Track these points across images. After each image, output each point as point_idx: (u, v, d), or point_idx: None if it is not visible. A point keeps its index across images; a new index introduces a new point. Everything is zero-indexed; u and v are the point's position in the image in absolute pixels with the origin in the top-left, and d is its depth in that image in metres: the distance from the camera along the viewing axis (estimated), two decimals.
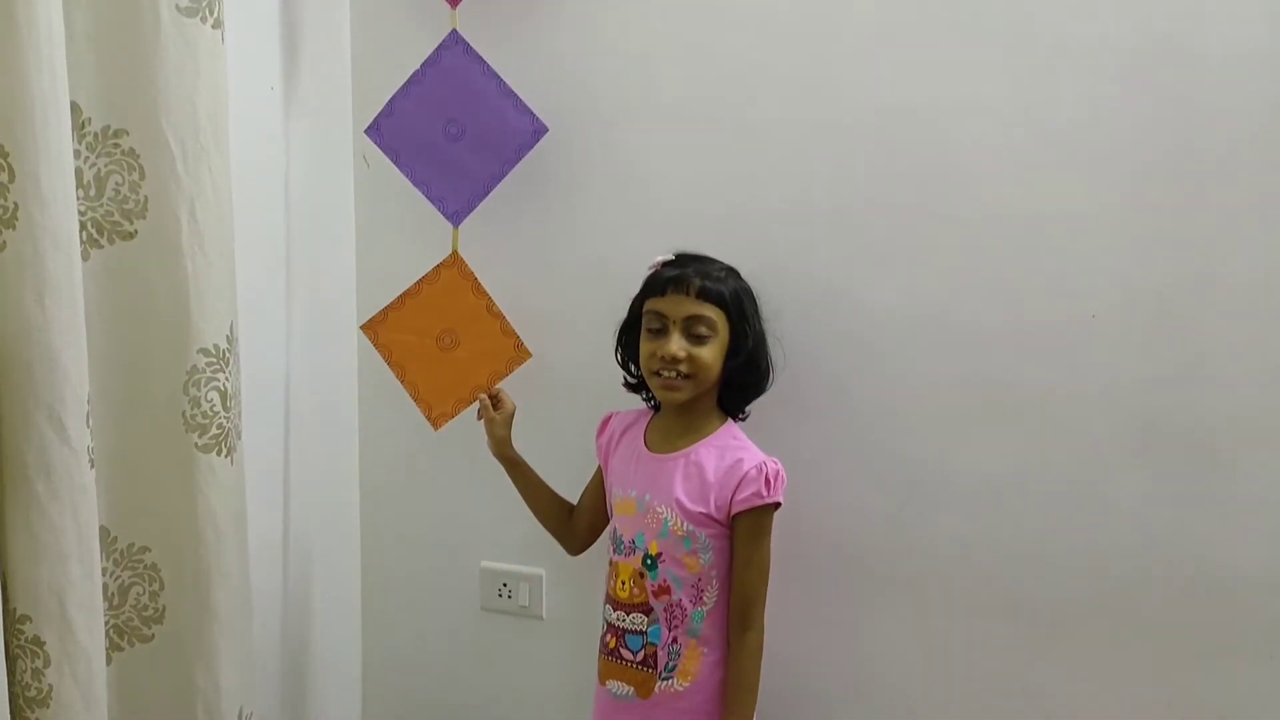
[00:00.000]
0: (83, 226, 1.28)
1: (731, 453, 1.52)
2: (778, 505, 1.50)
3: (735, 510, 1.49)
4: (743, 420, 1.59)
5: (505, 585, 1.90)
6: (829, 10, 1.60)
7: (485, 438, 1.70)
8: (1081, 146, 1.50)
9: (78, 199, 1.25)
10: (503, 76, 1.67)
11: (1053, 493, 1.56)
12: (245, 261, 1.45)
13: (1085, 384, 1.53)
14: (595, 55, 1.71)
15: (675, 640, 1.52)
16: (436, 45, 1.67)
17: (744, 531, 1.50)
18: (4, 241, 1.15)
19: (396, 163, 1.72)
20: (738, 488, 1.49)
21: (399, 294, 1.75)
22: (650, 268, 1.56)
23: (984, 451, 1.59)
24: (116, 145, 1.29)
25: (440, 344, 1.75)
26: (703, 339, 1.49)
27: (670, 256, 1.56)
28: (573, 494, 1.71)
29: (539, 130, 1.68)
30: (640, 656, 1.53)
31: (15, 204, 1.14)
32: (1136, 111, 1.47)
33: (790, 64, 1.62)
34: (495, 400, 1.71)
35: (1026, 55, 1.51)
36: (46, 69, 1.15)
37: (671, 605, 1.51)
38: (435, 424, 1.78)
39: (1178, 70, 1.45)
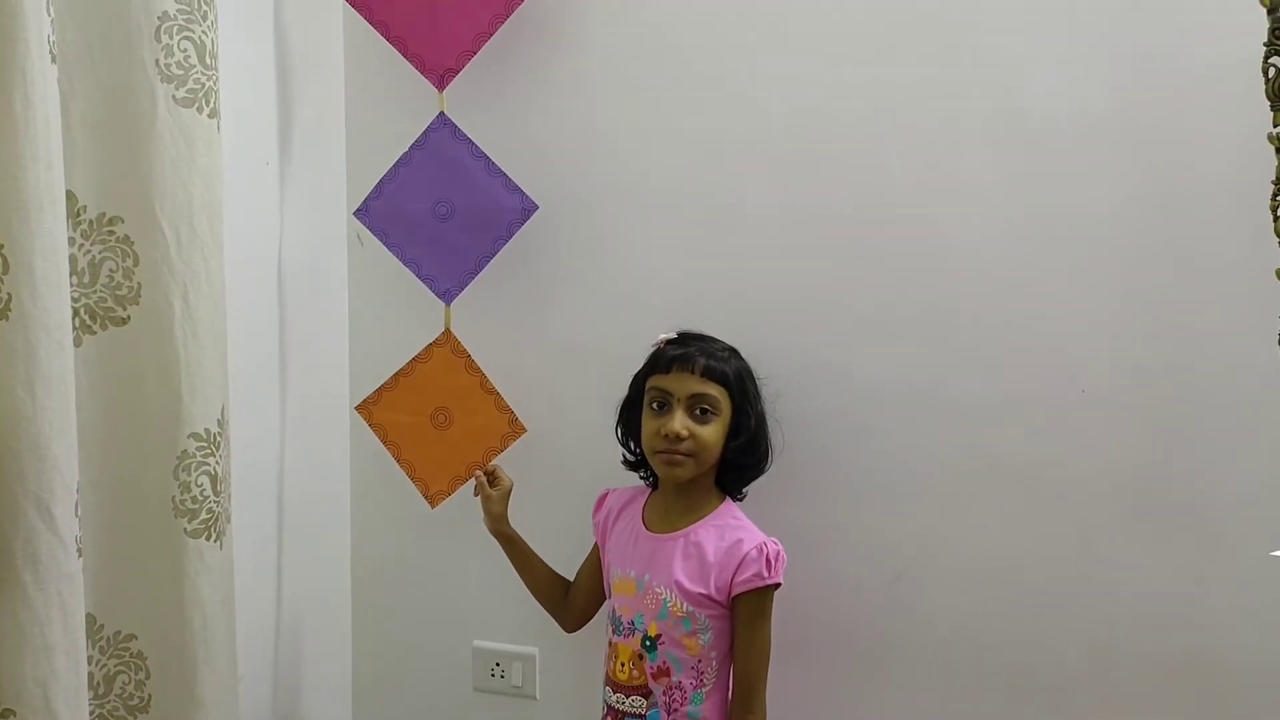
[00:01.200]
0: (76, 313, 1.28)
1: (731, 532, 1.51)
2: (778, 586, 1.49)
3: (736, 591, 1.48)
4: (740, 500, 1.58)
5: (498, 665, 1.86)
6: (817, 95, 1.62)
7: (481, 514, 1.69)
8: (1069, 226, 1.52)
9: (71, 286, 1.25)
10: (491, 157, 1.69)
11: (1047, 567, 1.55)
12: (238, 342, 1.46)
13: (1078, 458, 1.53)
14: (584, 136, 1.74)
15: None
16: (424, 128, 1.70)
17: (745, 613, 1.49)
18: None
19: (386, 243, 1.73)
20: (738, 569, 1.48)
21: (392, 373, 1.75)
22: (654, 345, 1.57)
23: (978, 526, 1.58)
24: (111, 232, 1.30)
25: (435, 422, 1.75)
26: (706, 418, 1.49)
27: (673, 335, 1.56)
28: (568, 571, 1.69)
29: (529, 208, 1.69)
30: None
31: (9, 294, 1.14)
32: (1122, 192, 1.49)
33: (780, 147, 1.64)
34: (491, 477, 1.70)
35: (1014, 138, 1.53)
36: (43, 161, 1.16)
37: (671, 687, 1.49)
38: (432, 502, 1.77)
39: (1164, 152, 1.47)
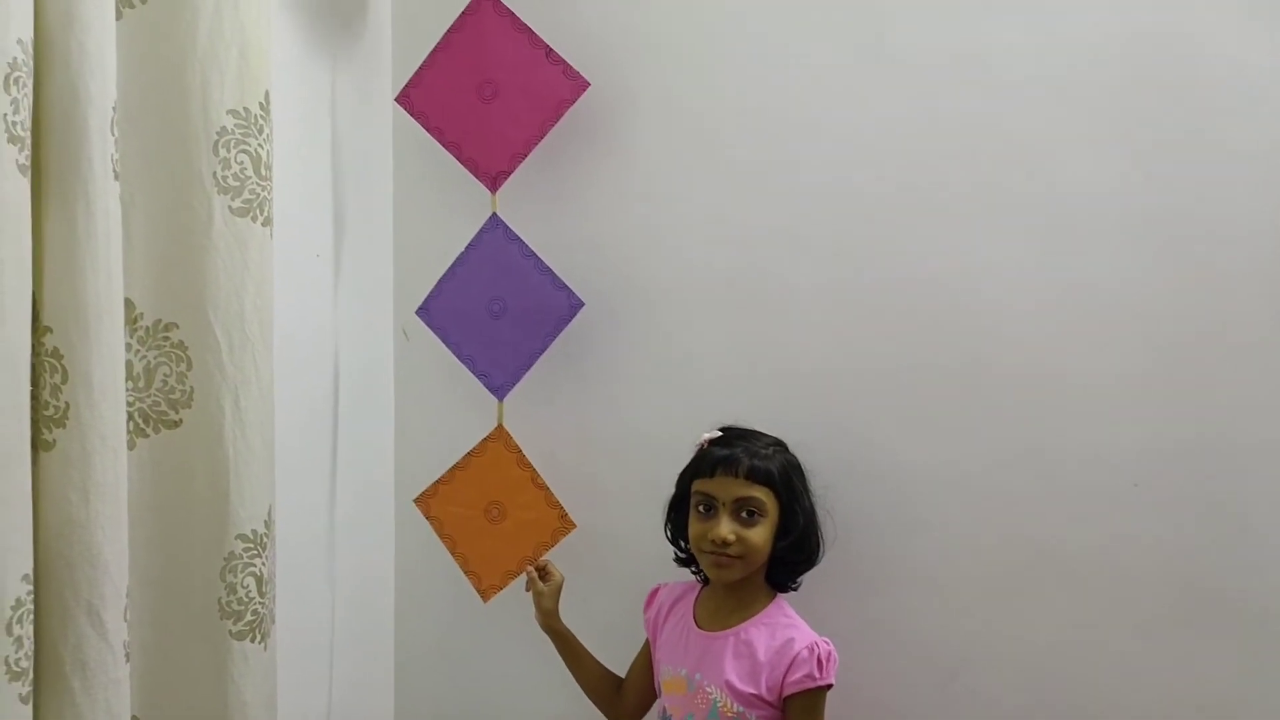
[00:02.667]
0: (130, 417, 1.31)
1: (783, 631, 1.48)
2: (830, 687, 1.45)
3: (787, 692, 1.45)
4: (794, 590, 1.55)
5: None
6: (856, 181, 1.63)
7: (531, 609, 1.69)
8: (1111, 312, 1.51)
9: (126, 390, 1.28)
10: (540, 254, 1.72)
11: (1101, 660, 1.52)
12: (286, 440, 1.47)
13: (1130, 550, 1.51)
14: (629, 230, 1.76)
15: None
16: (478, 228, 1.73)
17: (796, 714, 1.45)
18: (53, 440, 1.18)
19: (445, 340, 1.76)
20: (789, 669, 1.44)
21: (445, 468, 1.77)
22: (697, 445, 1.55)
23: (1032, 621, 1.55)
24: (166, 338, 1.33)
25: (488, 516, 1.76)
26: (753, 520, 1.47)
27: (717, 433, 1.55)
28: (619, 667, 1.67)
29: (575, 305, 1.71)
30: None
31: (66, 403, 1.18)
32: (1164, 281, 1.48)
33: (820, 232, 1.65)
34: (543, 572, 1.70)
35: (1054, 223, 1.53)
36: (104, 273, 1.20)
37: None
38: (485, 595, 1.77)
39: (1204, 238, 1.47)
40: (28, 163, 1.12)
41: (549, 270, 1.71)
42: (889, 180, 1.61)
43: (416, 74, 1.75)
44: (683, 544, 1.58)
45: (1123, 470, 1.51)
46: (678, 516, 1.58)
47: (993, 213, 1.56)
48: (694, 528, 1.51)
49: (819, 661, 1.44)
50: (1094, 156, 1.51)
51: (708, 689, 1.47)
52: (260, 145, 1.37)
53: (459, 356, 1.76)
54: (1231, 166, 1.44)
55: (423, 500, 1.79)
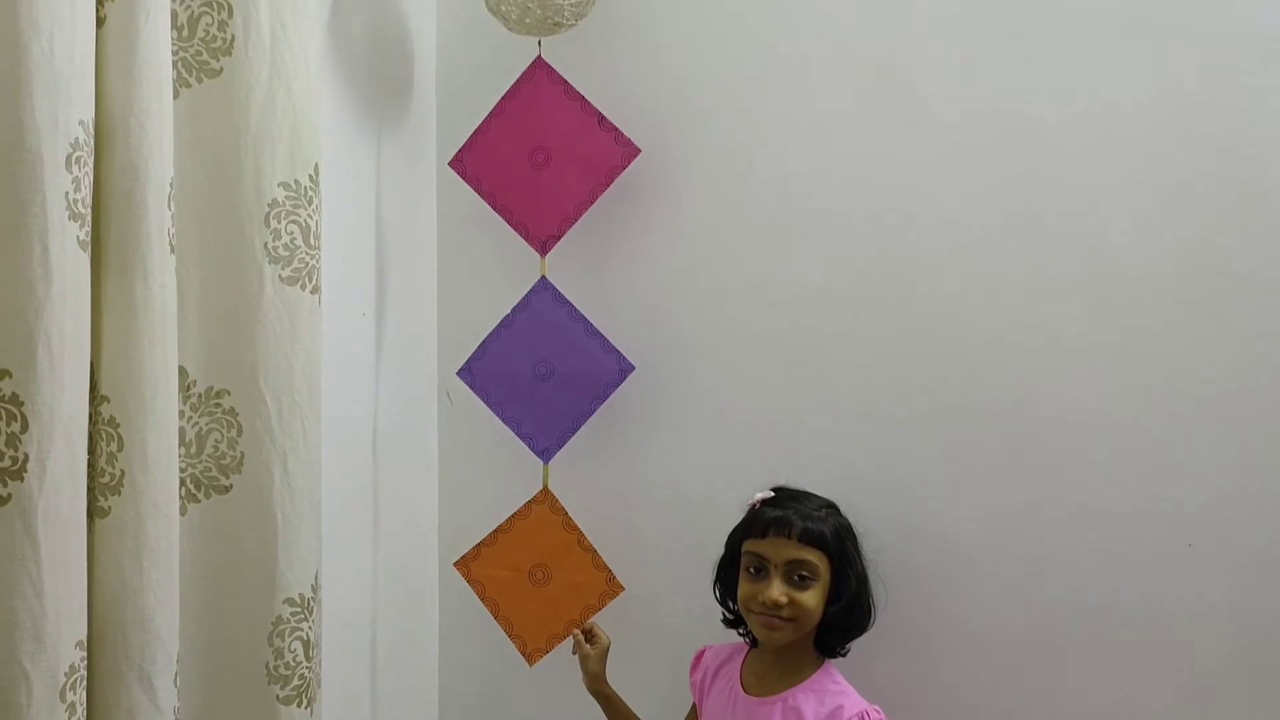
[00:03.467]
0: (182, 482, 1.33)
1: (832, 698, 1.45)
2: None
3: None
4: (843, 656, 1.52)
5: None
6: (899, 239, 1.63)
7: (577, 672, 1.67)
8: (1163, 367, 1.49)
9: (179, 456, 1.31)
10: (589, 317, 1.73)
11: None
12: (331, 503, 1.49)
13: (1186, 612, 1.48)
14: (673, 293, 1.77)
15: None
16: (524, 292, 1.75)
17: None
18: (109, 507, 1.20)
19: (487, 402, 1.77)
20: None
21: (491, 530, 1.77)
22: (749, 505, 1.54)
23: (1088, 685, 1.51)
24: (218, 405, 1.36)
25: (533, 579, 1.75)
26: (805, 583, 1.45)
27: (769, 494, 1.54)
28: None
29: (625, 369, 1.71)
30: None
31: (122, 471, 1.20)
32: (1217, 331, 1.47)
33: (863, 292, 1.65)
34: (589, 635, 1.69)
35: (1102, 277, 1.52)
36: (160, 344, 1.23)
37: None
38: (530, 660, 1.76)
39: (1254, 291, 1.45)
40: (88, 238, 1.16)
41: (599, 333, 1.72)
42: (932, 239, 1.61)
43: (470, 140, 1.79)
44: (731, 604, 1.57)
45: (1179, 528, 1.48)
46: (727, 576, 1.56)
47: (1039, 268, 1.55)
48: (744, 589, 1.50)
49: None
50: (1140, 211, 1.50)
51: None
52: (310, 215, 1.40)
53: (503, 418, 1.76)
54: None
55: (463, 564, 1.79)
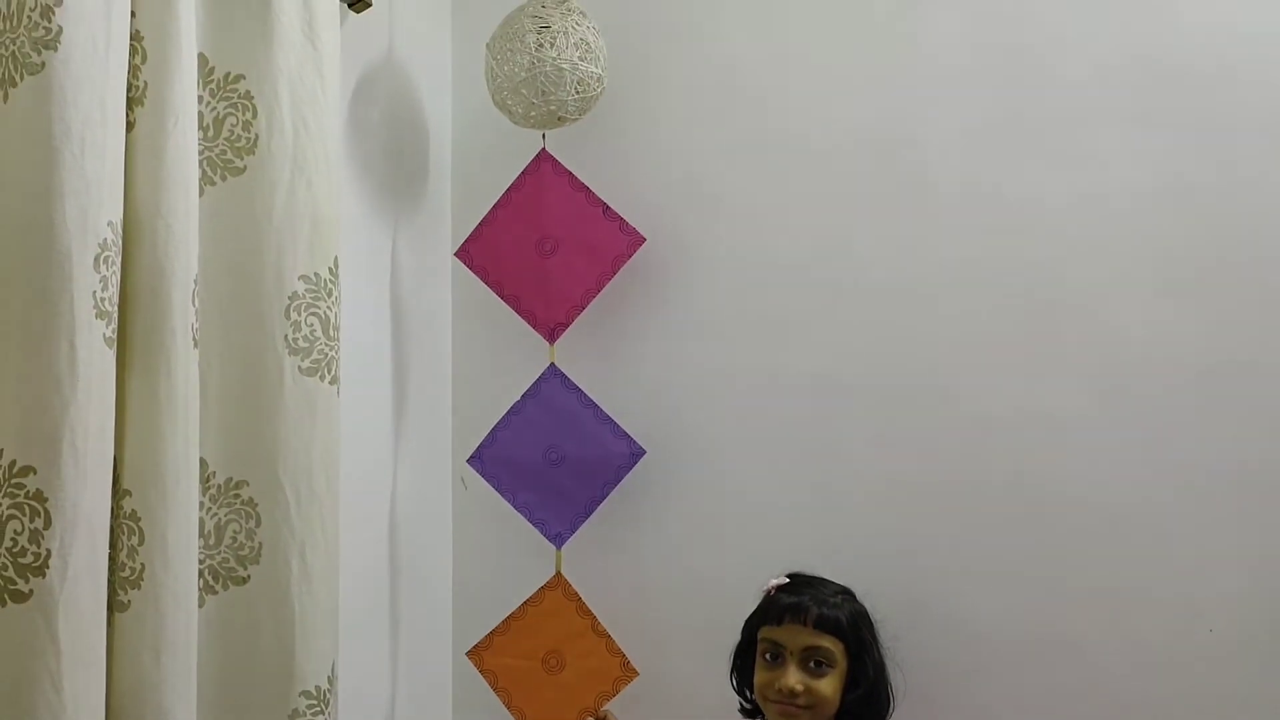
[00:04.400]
0: (200, 574, 1.33)
1: None
2: None
3: None
4: None
5: None
6: (908, 327, 1.65)
7: None
8: (1174, 457, 1.50)
9: (199, 548, 1.32)
10: (599, 403, 1.75)
11: None
12: (345, 592, 1.48)
13: (1207, 703, 1.45)
14: (682, 380, 1.79)
15: None
16: (534, 378, 1.77)
17: None
18: (129, 600, 1.21)
19: (498, 488, 1.77)
20: None
21: (503, 618, 1.76)
22: (764, 590, 1.54)
23: None
24: (237, 495, 1.37)
25: (546, 666, 1.74)
26: (821, 671, 1.45)
27: (784, 580, 1.54)
28: None
29: (636, 453, 1.72)
30: None
31: (142, 564, 1.21)
32: (1228, 423, 1.48)
33: (872, 379, 1.66)
34: None
35: (1110, 367, 1.54)
36: (182, 437, 1.25)
37: None
38: None
39: (1268, 381, 1.46)
40: (113, 335, 1.18)
41: (609, 419, 1.74)
42: (942, 322, 1.63)
43: (476, 230, 1.82)
44: (749, 693, 1.55)
45: (1199, 616, 1.47)
46: (743, 664, 1.55)
47: (1047, 358, 1.57)
48: (760, 676, 1.49)
49: None
50: (1148, 298, 1.52)
51: None
52: (329, 307, 1.43)
53: (514, 504, 1.76)
54: None
55: (476, 653, 1.78)
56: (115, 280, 1.19)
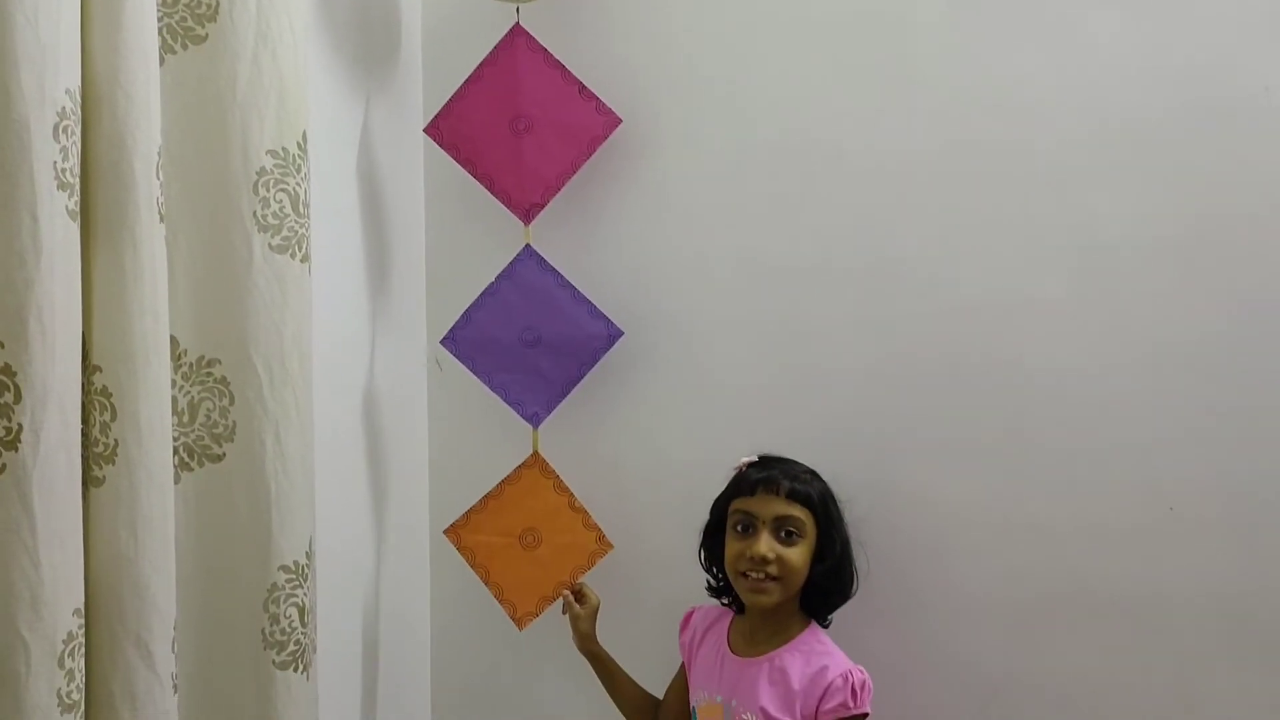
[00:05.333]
0: (175, 451, 1.33)
1: (817, 659, 1.49)
2: (865, 716, 1.45)
3: (821, 719, 1.44)
4: (826, 628, 1.55)
5: None
6: (886, 210, 1.65)
7: (568, 633, 1.70)
8: (1148, 344, 1.52)
9: (172, 425, 1.31)
10: (576, 286, 1.73)
11: (1141, 696, 1.52)
12: (321, 470, 1.49)
13: (1170, 581, 1.51)
14: (660, 263, 1.78)
15: None
16: (510, 259, 1.75)
17: None
18: (103, 476, 1.21)
19: (473, 369, 1.78)
20: (823, 696, 1.45)
21: (479, 496, 1.78)
22: (735, 468, 1.57)
23: (1069, 653, 1.55)
24: (209, 374, 1.36)
25: (523, 543, 1.77)
26: (792, 540, 1.48)
27: (754, 458, 1.56)
28: (656, 689, 1.68)
29: (614, 334, 1.73)
30: None
31: (115, 440, 1.20)
32: (1202, 308, 1.49)
33: (851, 262, 1.67)
34: (579, 595, 1.72)
35: (1089, 259, 1.55)
36: (150, 313, 1.22)
37: None
38: (520, 624, 1.78)
39: (1244, 269, 1.48)
40: (77, 208, 1.15)
41: (585, 300, 1.73)
42: (919, 209, 1.63)
43: (446, 106, 1.78)
44: (717, 571, 1.59)
45: (1160, 495, 1.51)
46: (712, 543, 1.59)
47: (1027, 242, 1.57)
48: (732, 548, 1.52)
49: (853, 690, 1.45)
50: (1126, 180, 1.52)
51: (743, 715, 1.48)
52: (298, 184, 1.40)
53: (489, 385, 1.77)
54: (1274, 193, 1.44)
55: (454, 531, 1.80)
56: (76, 151, 1.15)
